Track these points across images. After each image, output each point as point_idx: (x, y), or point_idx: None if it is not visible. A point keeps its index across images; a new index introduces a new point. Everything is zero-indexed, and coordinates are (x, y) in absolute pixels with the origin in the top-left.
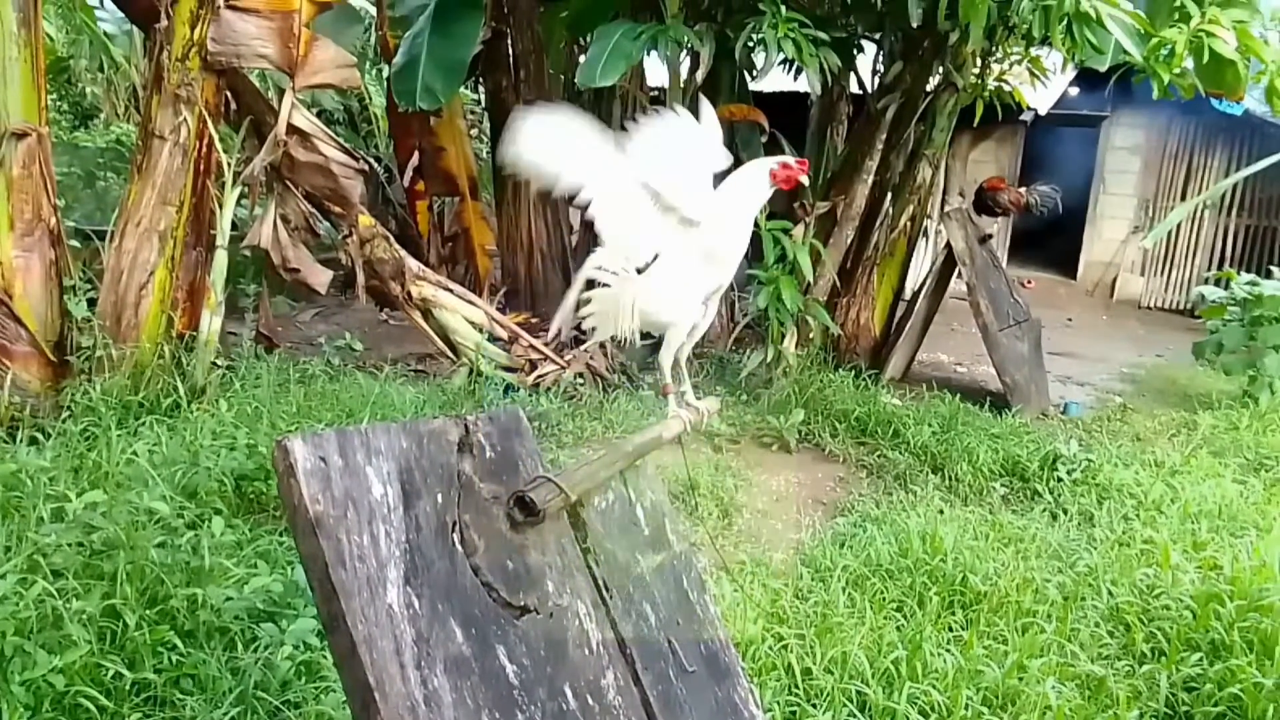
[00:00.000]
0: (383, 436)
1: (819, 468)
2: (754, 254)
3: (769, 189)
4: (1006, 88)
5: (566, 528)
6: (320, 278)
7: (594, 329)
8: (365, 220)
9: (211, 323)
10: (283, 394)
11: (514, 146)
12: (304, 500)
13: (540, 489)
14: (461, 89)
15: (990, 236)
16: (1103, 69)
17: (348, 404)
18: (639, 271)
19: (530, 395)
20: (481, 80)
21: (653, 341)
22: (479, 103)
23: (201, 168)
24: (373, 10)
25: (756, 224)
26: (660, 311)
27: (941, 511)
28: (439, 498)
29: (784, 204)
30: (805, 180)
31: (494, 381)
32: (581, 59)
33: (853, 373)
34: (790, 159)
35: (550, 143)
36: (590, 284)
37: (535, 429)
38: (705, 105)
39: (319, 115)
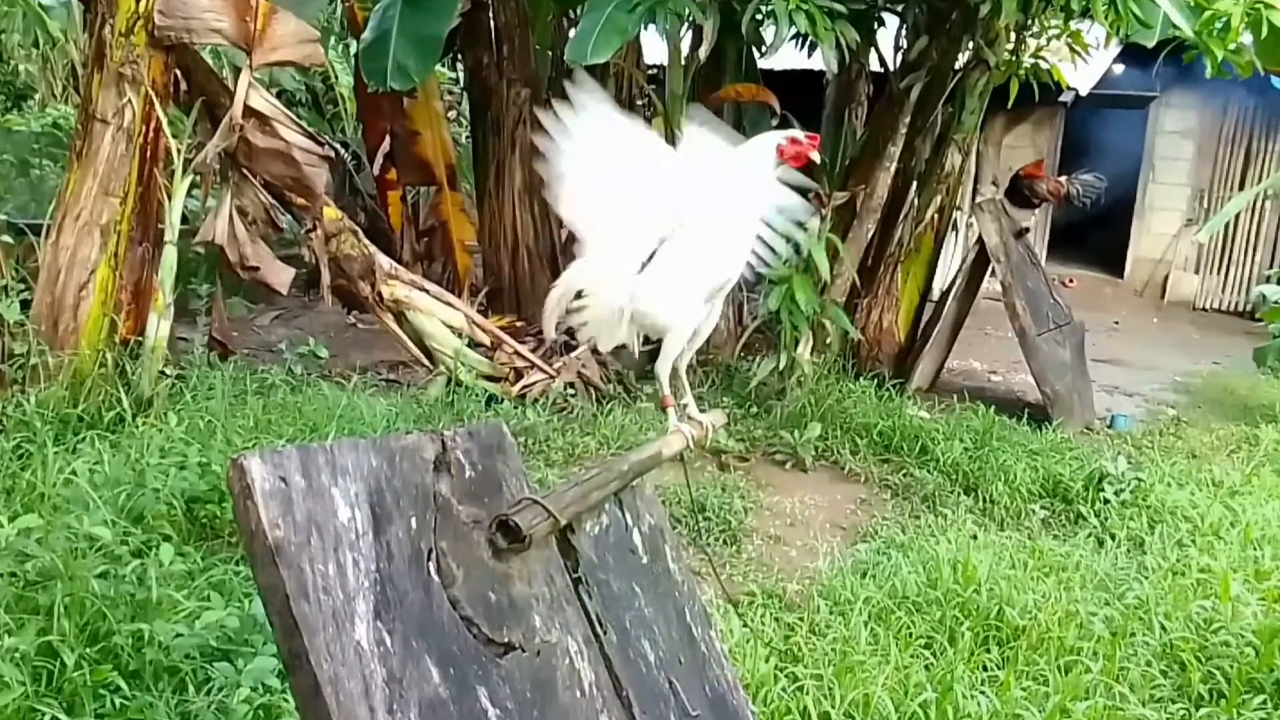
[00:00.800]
0: (350, 454)
1: (838, 488)
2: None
3: (776, 166)
4: (1044, 65)
5: (555, 555)
6: (281, 277)
7: (591, 339)
8: (331, 213)
9: (159, 327)
10: (239, 406)
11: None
12: (262, 525)
13: (526, 512)
14: (438, 67)
15: (1027, 230)
16: (1150, 45)
17: (311, 417)
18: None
19: (515, 407)
20: (460, 57)
21: (651, 348)
22: (457, 82)
23: (148, 155)
24: None
25: None
26: (659, 314)
27: (975, 537)
28: (413, 522)
29: (797, 193)
30: (816, 157)
31: (475, 392)
32: (571, 33)
33: (875, 382)
34: (799, 133)
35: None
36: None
37: (521, 445)
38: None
39: (279, 96)
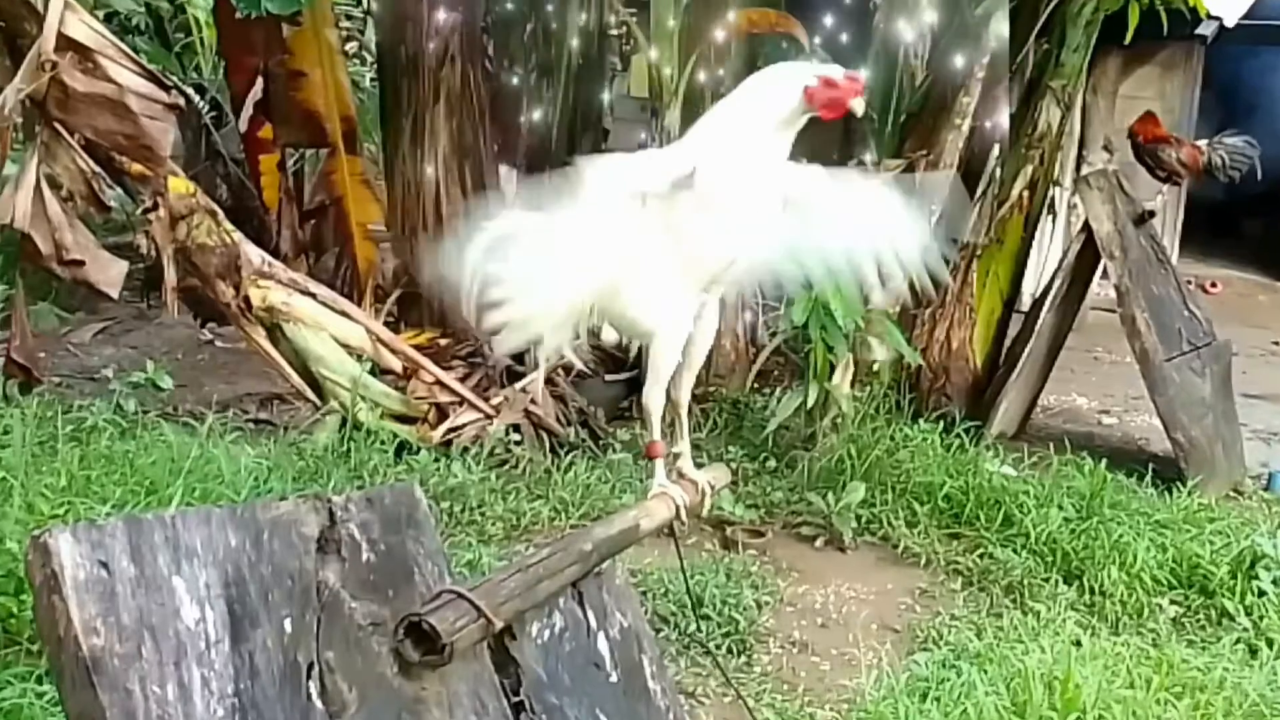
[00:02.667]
0: (200, 528)
1: (888, 574)
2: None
3: (801, 114)
4: None
5: (489, 671)
6: (108, 274)
7: (518, 334)
8: (180, 185)
9: None
10: (45, 458)
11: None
12: (74, 629)
13: (447, 610)
14: None
15: (1153, 215)
16: None
17: (147, 474)
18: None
19: (436, 460)
20: None
21: (625, 376)
22: (358, 2)
23: None
24: None
25: None
26: (636, 311)
27: (1078, 643)
28: (287, 624)
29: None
30: (859, 107)
31: (380, 438)
32: None
33: (940, 425)
34: (835, 70)
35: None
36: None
37: (443, 514)
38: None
39: (108, 22)
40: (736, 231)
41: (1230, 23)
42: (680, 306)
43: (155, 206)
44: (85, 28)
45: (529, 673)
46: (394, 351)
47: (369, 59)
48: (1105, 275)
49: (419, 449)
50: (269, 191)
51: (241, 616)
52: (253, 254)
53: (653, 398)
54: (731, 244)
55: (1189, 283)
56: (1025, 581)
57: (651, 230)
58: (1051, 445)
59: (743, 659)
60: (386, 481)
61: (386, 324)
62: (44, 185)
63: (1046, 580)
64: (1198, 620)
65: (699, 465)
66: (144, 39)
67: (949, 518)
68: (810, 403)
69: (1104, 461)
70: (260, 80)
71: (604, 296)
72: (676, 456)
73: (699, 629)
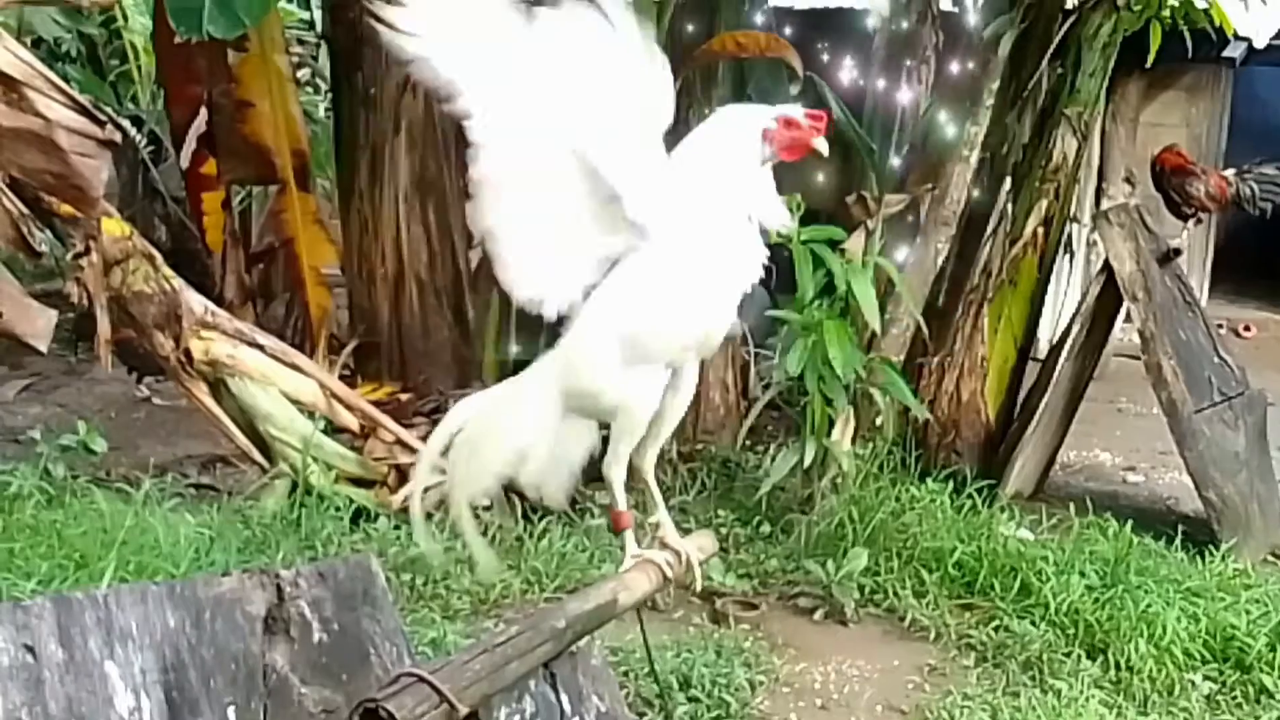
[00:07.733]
0: (135, 607)
1: (894, 649)
2: (779, 281)
3: (763, 158)
4: (1201, 3)
5: None
6: (36, 325)
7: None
8: (114, 226)
9: None
10: None
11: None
12: None
13: (406, 695)
14: (282, 2)
15: (1179, 253)
16: None
17: (77, 546)
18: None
19: (397, 528)
20: None
21: (606, 433)
22: (311, 26)
23: None
24: None
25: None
26: (601, 387)
27: None
28: (230, 713)
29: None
30: (823, 146)
31: (334, 504)
32: None
33: (949, 485)
34: (795, 110)
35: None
36: None
37: (404, 587)
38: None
39: (36, 48)
40: (706, 299)
41: (1260, 43)
42: (645, 382)
43: (87, 250)
44: (9, 55)
45: None
46: (350, 408)
47: (323, 87)
48: (1128, 319)
49: (378, 516)
50: (213, 233)
51: (181, 704)
52: (194, 302)
53: (614, 472)
54: (702, 314)
55: (1220, 326)
56: (1044, 656)
57: (616, 303)
58: (1072, 506)
59: None
60: (341, 552)
61: (342, 377)
62: None
63: (1068, 655)
64: (1234, 698)
65: (682, 532)
66: (75, 67)
67: (960, 587)
68: (808, 461)
69: (1129, 523)
70: (203, 111)
71: (569, 381)
72: (656, 526)
73: (684, 714)
